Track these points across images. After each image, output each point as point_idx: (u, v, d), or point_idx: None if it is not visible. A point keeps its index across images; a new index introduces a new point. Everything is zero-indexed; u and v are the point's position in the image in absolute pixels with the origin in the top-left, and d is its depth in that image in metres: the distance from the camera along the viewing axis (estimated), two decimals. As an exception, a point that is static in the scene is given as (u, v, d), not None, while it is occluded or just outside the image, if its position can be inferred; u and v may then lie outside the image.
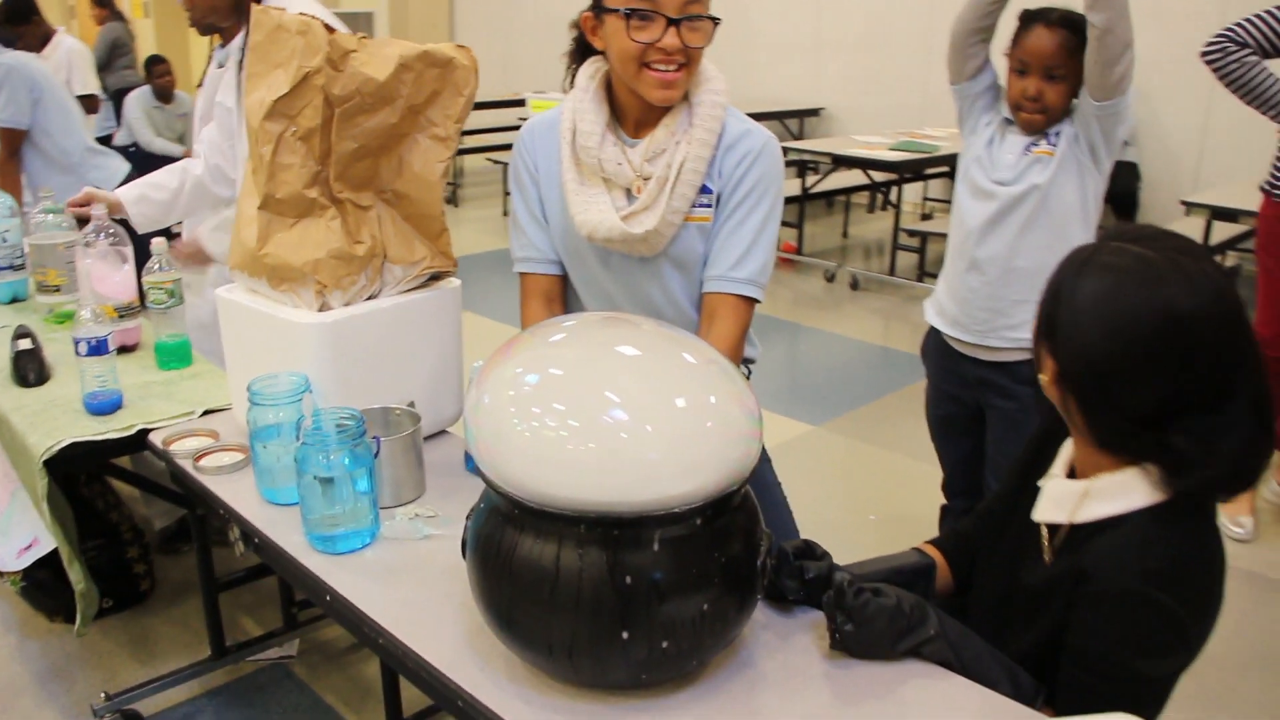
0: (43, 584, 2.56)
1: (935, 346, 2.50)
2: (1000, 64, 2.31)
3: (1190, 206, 4.54)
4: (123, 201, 2.52)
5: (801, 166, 6.41)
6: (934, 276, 5.85)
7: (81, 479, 2.58)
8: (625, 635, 1.07)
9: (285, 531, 1.55)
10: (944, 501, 2.69)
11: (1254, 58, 2.93)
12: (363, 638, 1.36)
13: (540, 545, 1.09)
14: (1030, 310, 2.18)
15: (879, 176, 6.46)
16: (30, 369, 2.10)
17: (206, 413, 1.99)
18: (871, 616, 1.19)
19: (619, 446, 1.04)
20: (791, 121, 8.68)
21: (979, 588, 1.47)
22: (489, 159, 8.78)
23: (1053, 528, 1.30)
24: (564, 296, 1.85)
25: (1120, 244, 1.19)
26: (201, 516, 2.11)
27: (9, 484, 2.19)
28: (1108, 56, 2.03)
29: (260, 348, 1.72)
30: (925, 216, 8.00)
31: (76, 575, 1.99)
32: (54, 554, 2.07)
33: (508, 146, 7.36)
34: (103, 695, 2.19)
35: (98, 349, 1.92)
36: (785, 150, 6.40)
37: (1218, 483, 1.16)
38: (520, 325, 1.81)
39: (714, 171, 1.68)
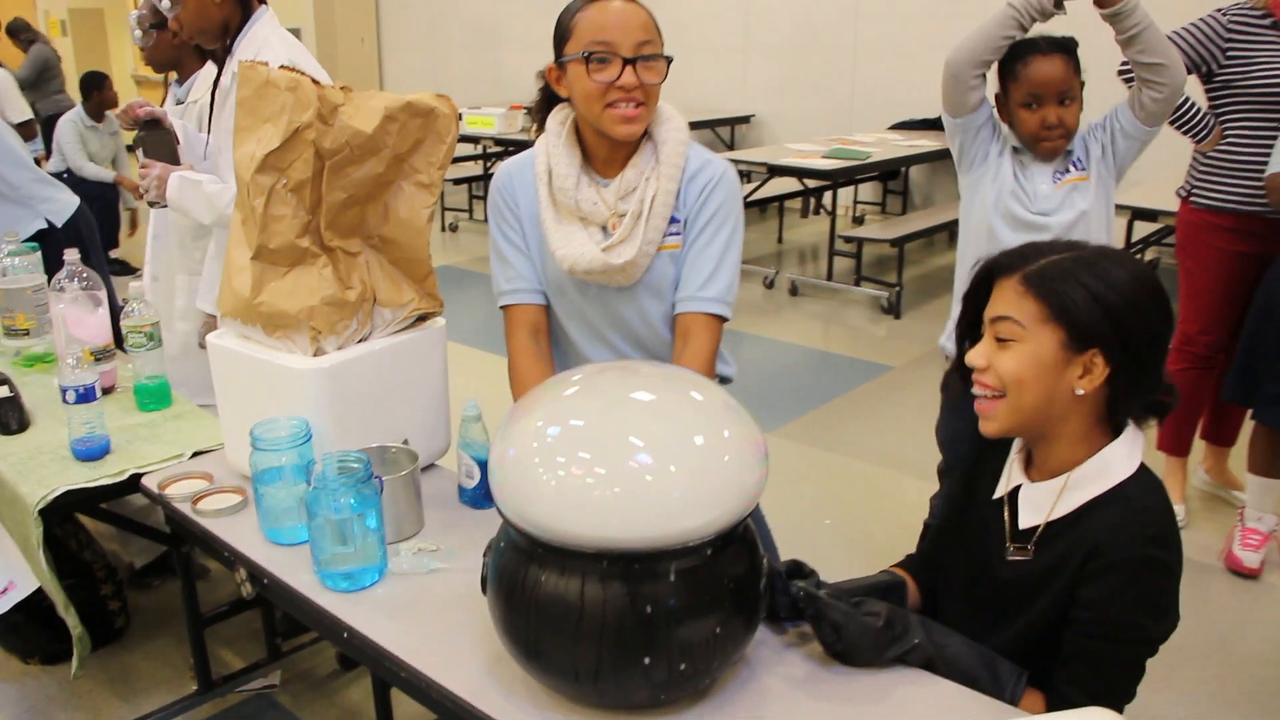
0: (17, 627, 2.55)
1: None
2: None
3: (1116, 208, 4.75)
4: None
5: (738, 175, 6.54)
6: (871, 280, 6.06)
7: (55, 519, 2.59)
8: (647, 660, 1.16)
9: (294, 571, 1.61)
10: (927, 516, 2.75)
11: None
12: (384, 673, 1.43)
13: (564, 581, 1.17)
14: None
15: (813, 183, 6.61)
16: (11, 417, 2.13)
17: (196, 454, 2.03)
18: (857, 631, 1.31)
19: (645, 488, 1.13)
20: (723, 130, 8.83)
21: (946, 596, 1.58)
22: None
23: (1021, 532, 1.42)
24: (548, 327, 1.94)
25: (1075, 252, 1.34)
26: (186, 554, 2.15)
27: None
28: (1171, 92, 2.17)
29: (256, 393, 1.78)
30: (858, 219, 8.21)
31: (73, 620, 2.02)
32: (29, 596, 2.09)
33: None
34: (93, 735, 2.22)
35: (85, 396, 1.95)
36: (721, 161, 6.52)
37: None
38: (507, 356, 1.89)
39: (680, 201, 1.82)
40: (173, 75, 2.87)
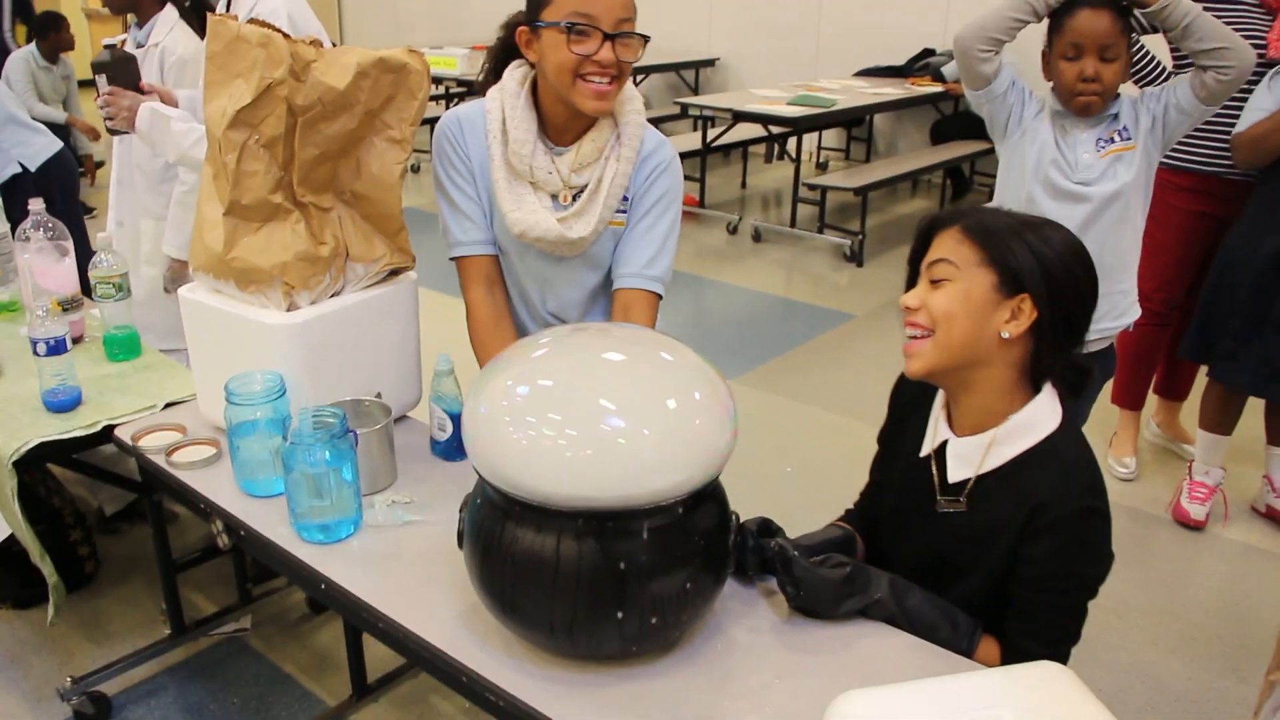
0: (-13, 572, 2.58)
1: None
2: (1026, 62, 2.36)
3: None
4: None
5: (702, 121, 6.54)
6: (833, 228, 6.11)
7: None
8: (620, 615, 1.22)
9: (270, 523, 1.64)
10: None
11: (1132, 34, 3.13)
12: (361, 623, 1.48)
13: (540, 538, 1.22)
14: (1110, 301, 2.36)
15: (778, 129, 6.62)
16: (-20, 367, 2.13)
17: (168, 405, 2.04)
18: (817, 585, 1.37)
19: (617, 450, 1.17)
20: (687, 73, 8.78)
21: (885, 550, 1.65)
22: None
23: (950, 486, 1.48)
24: (502, 278, 1.96)
25: (1010, 213, 1.41)
26: (157, 502, 2.17)
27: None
28: (1238, 72, 2.16)
29: (229, 347, 1.79)
30: (821, 165, 8.22)
31: (48, 569, 2.05)
32: (-2, 543, 2.11)
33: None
34: (68, 680, 2.25)
35: (56, 348, 1.96)
36: (686, 107, 6.52)
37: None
38: (466, 310, 1.92)
39: (630, 180, 1.86)
40: (131, 17, 2.82)
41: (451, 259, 1.93)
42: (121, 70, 2.38)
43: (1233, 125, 2.99)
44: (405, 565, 1.54)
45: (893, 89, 6.85)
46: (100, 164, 7.03)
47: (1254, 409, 3.16)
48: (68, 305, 2.29)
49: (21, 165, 3.23)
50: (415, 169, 8.26)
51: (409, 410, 2.00)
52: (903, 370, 1.48)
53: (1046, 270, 1.35)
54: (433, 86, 7.92)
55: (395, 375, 1.91)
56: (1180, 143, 3.06)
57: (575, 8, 1.68)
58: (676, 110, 6.98)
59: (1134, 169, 2.29)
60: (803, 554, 1.39)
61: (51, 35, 6.38)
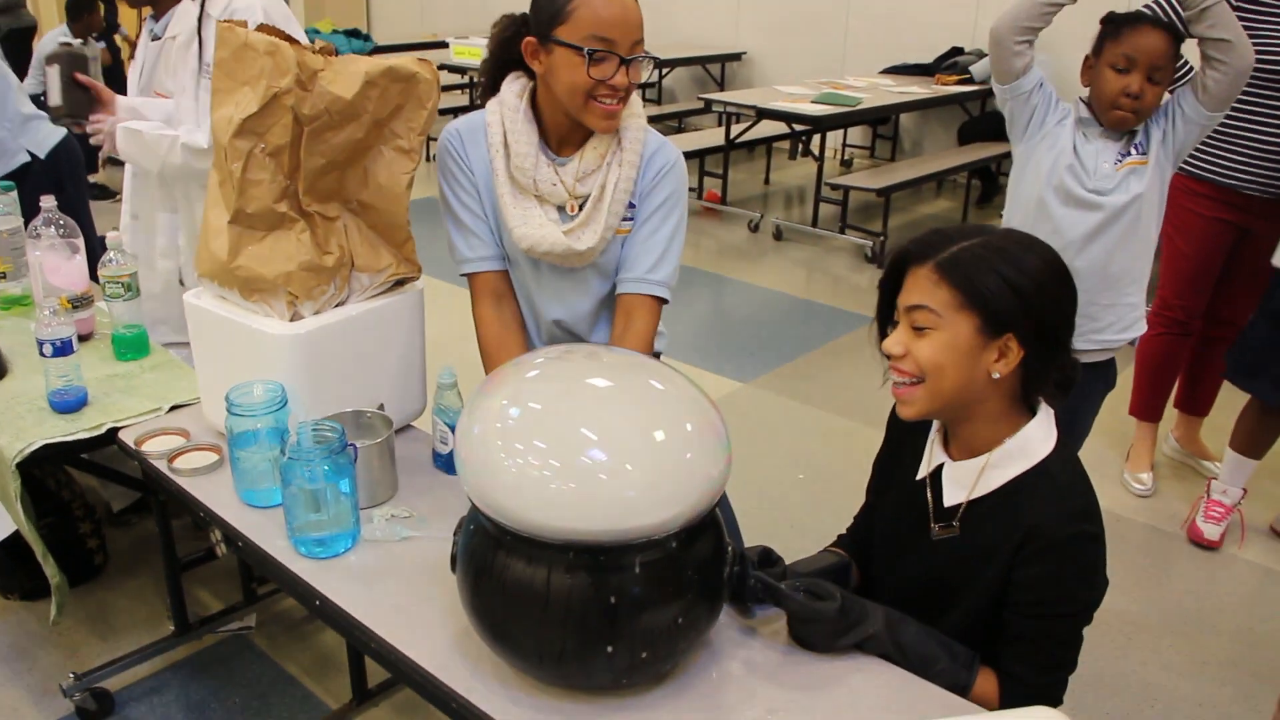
0: (-4, 564, 2.60)
1: None
2: (1064, 63, 2.32)
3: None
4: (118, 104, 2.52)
5: (726, 116, 6.49)
6: (855, 229, 6.06)
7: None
8: (610, 649, 1.20)
9: (268, 535, 1.64)
10: None
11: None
12: (355, 641, 1.47)
13: (531, 569, 1.20)
14: (1115, 313, 2.36)
15: (802, 126, 6.56)
16: (-11, 366, 2.13)
17: (173, 408, 2.04)
18: (811, 618, 1.36)
19: (598, 487, 1.15)
20: (714, 67, 8.73)
21: (877, 574, 1.64)
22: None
23: (945, 510, 1.46)
24: (512, 291, 1.94)
25: (984, 237, 1.36)
26: (163, 501, 2.17)
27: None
28: (1236, 74, 2.16)
29: (233, 354, 1.78)
30: (846, 163, 8.17)
31: (51, 570, 2.05)
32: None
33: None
34: (71, 675, 2.26)
35: (63, 349, 1.96)
36: (710, 103, 6.48)
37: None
38: (475, 327, 1.91)
39: (634, 184, 1.84)
40: (148, 10, 2.81)
41: (462, 274, 1.92)
42: (72, 64, 2.42)
43: (1251, 137, 2.97)
44: (401, 583, 1.53)
45: (919, 88, 6.78)
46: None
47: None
48: (77, 303, 2.29)
49: (30, 153, 3.24)
50: (431, 158, 8.25)
51: (413, 420, 1.98)
52: None
53: (1026, 303, 1.32)
54: (458, 76, 7.96)
55: (399, 385, 1.90)
56: (1199, 151, 3.10)
57: (594, 30, 1.65)
58: (700, 105, 6.94)
59: (1145, 181, 2.28)
60: (799, 583, 1.38)
61: (85, 16, 6.41)
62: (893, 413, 1.62)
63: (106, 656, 2.39)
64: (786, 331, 4.85)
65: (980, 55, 7.06)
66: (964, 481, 1.44)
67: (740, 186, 7.43)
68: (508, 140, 1.78)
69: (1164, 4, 2.74)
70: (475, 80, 7.99)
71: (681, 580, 1.23)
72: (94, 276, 2.35)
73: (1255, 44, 2.91)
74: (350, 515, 1.59)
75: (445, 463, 1.82)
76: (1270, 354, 2.87)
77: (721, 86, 8.70)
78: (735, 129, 6.60)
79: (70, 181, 3.51)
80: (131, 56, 2.72)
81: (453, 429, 1.78)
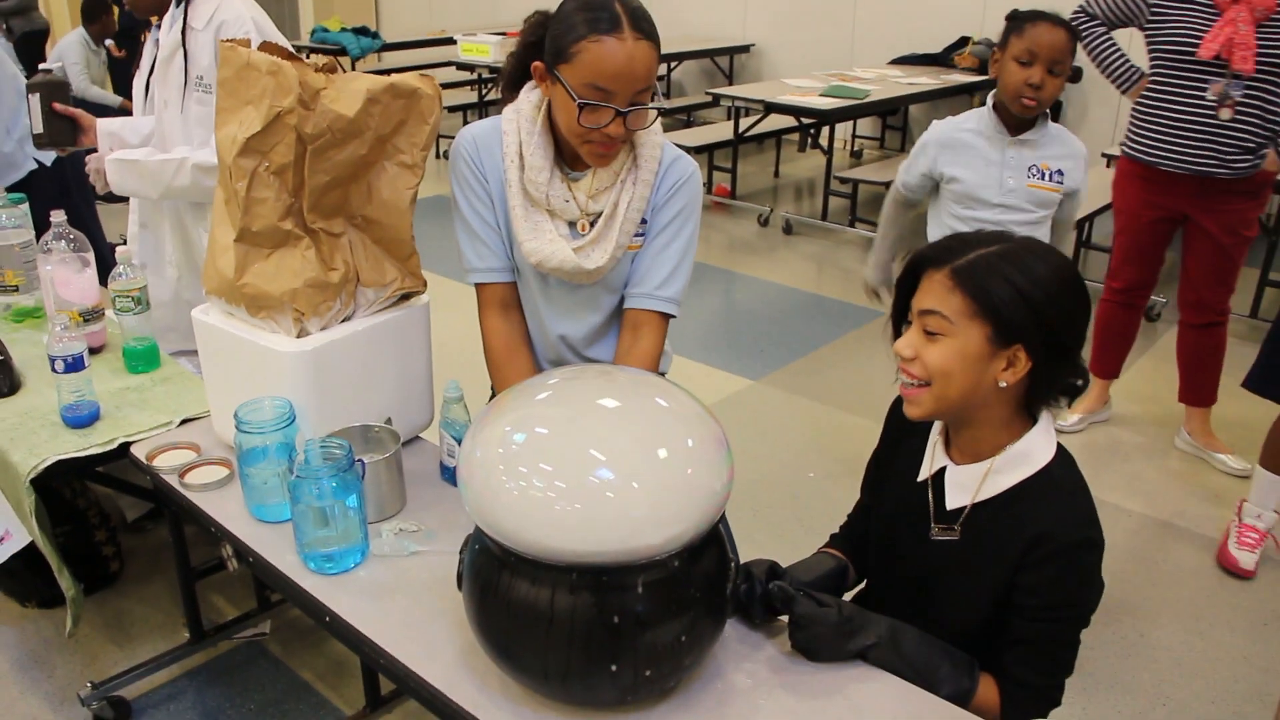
0: (14, 572, 2.60)
1: None
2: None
3: (1110, 159, 4.75)
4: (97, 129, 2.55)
5: (734, 110, 6.48)
6: (865, 222, 6.05)
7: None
8: (614, 667, 1.21)
9: (278, 550, 1.65)
10: None
11: (1101, 28, 3.29)
12: (365, 656, 1.48)
13: (535, 590, 1.21)
14: None
15: (810, 119, 6.55)
16: (2, 380, 2.15)
17: (184, 421, 2.06)
18: (817, 626, 1.37)
19: (605, 505, 1.16)
20: (722, 60, 8.71)
21: (874, 575, 1.65)
22: (419, 98, 8.69)
23: (947, 513, 1.47)
24: (519, 302, 1.92)
25: (1002, 245, 1.37)
26: (175, 513, 2.19)
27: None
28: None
29: (241, 370, 1.80)
30: (856, 154, 8.14)
31: (67, 583, 2.08)
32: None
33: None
34: (89, 684, 2.29)
35: (74, 365, 1.98)
36: (718, 97, 6.47)
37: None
38: (481, 335, 1.90)
39: (649, 197, 1.80)
40: (155, 20, 2.83)
41: (471, 283, 1.92)
42: (52, 93, 2.46)
43: (1171, 118, 3.18)
44: (409, 598, 1.54)
45: (928, 78, 6.76)
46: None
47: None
48: (88, 316, 2.31)
49: (37, 161, 3.28)
50: (448, 156, 8.26)
51: (420, 431, 2.00)
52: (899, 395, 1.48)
53: (1037, 315, 1.32)
54: (466, 73, 7.97)
55: (406, 399, 1.92)
56: (1135, 133, 3.33)
57: (593, 79, 1.58)
58: (709, 100, 6.93)
59: (1050, 209, 2.63)
60: (803, 590, 1.39)
61: (101, 17, 6.44)
62: (891, 410, 1.63)
63: (123, 664, 2.42)
64: (797, 327, 4.85)
65: (990, 44, 7.03)
66: (967, 485, 1.45)
67: (749, 180, 7.42)
68: (523, 152, 1.75)
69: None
70: (483, 77, 8.02)
71: (684, 598, 1.24)
72: (102, 282, 2.38)
73: (1172, 26, 3.13)
74: (359, 531, 1.61)
75: (453, 475, 1.83)
76: None
77: (730, 79, 8.69)
78: (744, 123, 6.59)
79: (76, 188, 3.55)
80: (138, 64, 2.74)
81: (459, 442, 1.79)
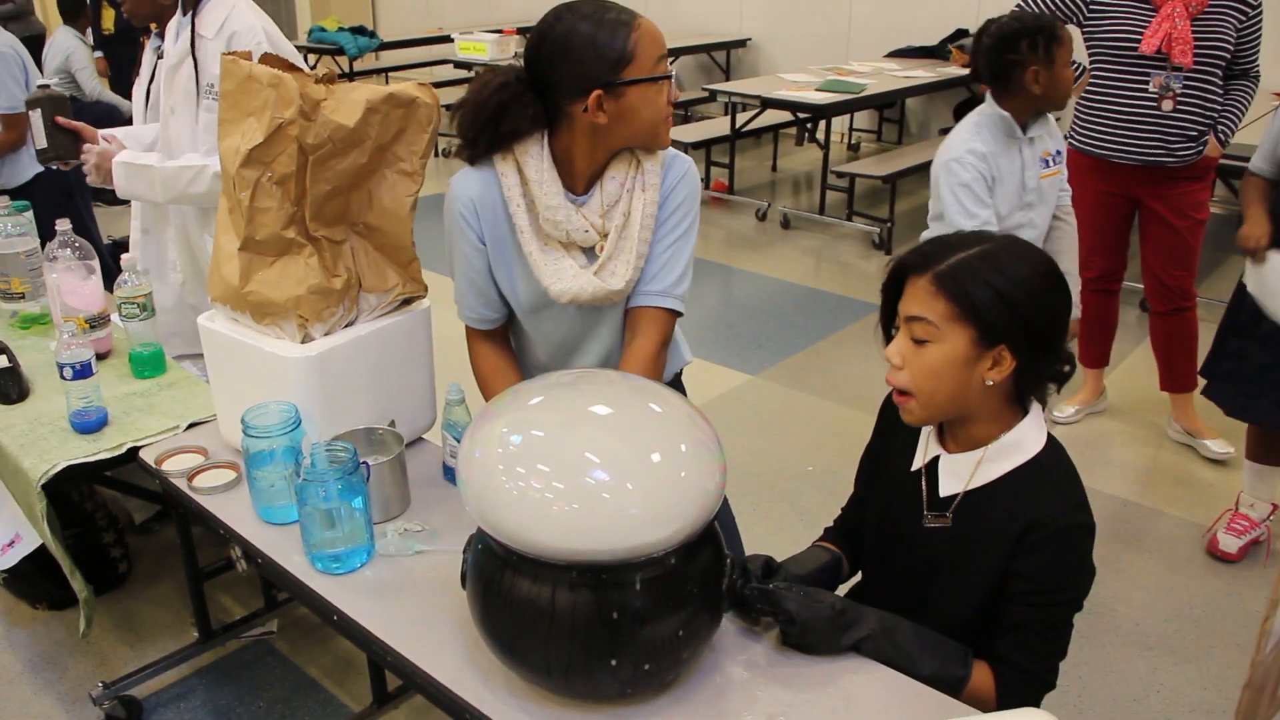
0: (24, 574, 2.65)
1: None
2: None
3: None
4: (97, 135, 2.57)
5: (731, 106, 6.51)
6: (862, 215, 6.08)
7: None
8: (614, 662, 1.25)
9: (285, 551, 1.69)
10: None
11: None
12: (372, 654, 1.52)
13: (536, 587, 1.25)
14: None
15: (806, 114, 6.58)
16: (11, 387, 2.19)
17: (191, 425, 2.10)
18: (811, 620, 1.40)
19: (602, 505, 1.20)
20: (718, 54, 8.73)
21: (868, 564, 1.69)
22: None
23: (940, 500, 1.51)
24: (507, 332, 1.94)
25: (981, 247, 1.40)
26: (184, 515, 2.23)
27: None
28: None
29: (246, 375, 1.84)
30: (853, 147, 8.17)
31: (79, 585, 2.12)
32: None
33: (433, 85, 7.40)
34: (100, 684, 2.33)
35: (83, 372, 2.02)
36: (715, 93, 6.50)
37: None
38: (470, 361, 1.92)
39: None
40: (154, 26, 2.86)
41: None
42: (54, 108, 2.49)
43: (1117, 112, 3.31)
44: (415, 596, 1.58)
45: (924, 71, 6.78)
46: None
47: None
48: (94, 322, 2.35)
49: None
50: (447, 154, 8.29)
51: (423, 433, 2.04)
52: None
53: (1017, 314, 1.36)
54: (463, 71, 8.00)
55: (409, 401, 1.95)
56: (1081, 128, 3.46)
57: (657, 52, 1.66)
58: (706, 95, 6.96)
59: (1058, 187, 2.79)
60: (796, 584, 1.43)
61: (84, 13, 6.47)
62: (884, 404, 1.67)
63: (134, 664, 2.46)
64: (795, 321, 4.88)
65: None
66: (960, 473, 1.49)
67: (747, 175, 7.45)
68: (533, 195, 1.73)
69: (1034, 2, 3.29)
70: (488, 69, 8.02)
71: (682, 594, 1.28)
72: (105, 285, 2.42)
73: (1112, 20, 3.25)
74: (365, 531, 1.65)
75: (455, 475, 1.86)
76: (1264, 377, 2.87)
77: (727, 74, 8.72)
78: (741, 118, 6.62)
79: (78, 190, 3.60)
80: (138, 71, 2.77)
81: (461, 443, 1.82)
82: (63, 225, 2.32)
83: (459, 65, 7.82)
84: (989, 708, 1.43)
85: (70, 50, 6.25)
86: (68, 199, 3.75)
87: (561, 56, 1.64)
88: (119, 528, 2.82)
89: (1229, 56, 3.22)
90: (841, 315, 4.92)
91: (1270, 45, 3.57)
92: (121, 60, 6.93)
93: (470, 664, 1.43)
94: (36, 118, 2.45)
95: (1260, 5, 3.19)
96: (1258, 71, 3.33)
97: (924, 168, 6.23)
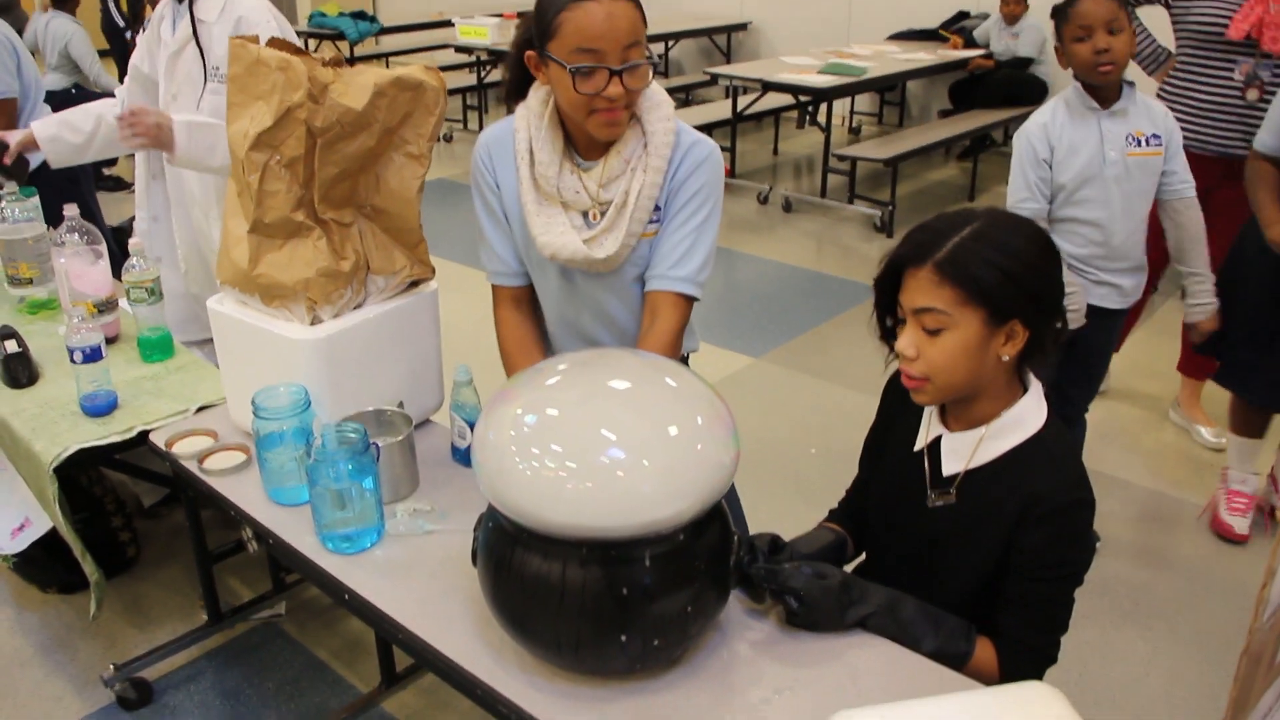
0: (34, 558, 2.67)
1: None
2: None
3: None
4: (37, 138, 2.60)
5: (732, 89, 6.51)
6: (864, 199, 6.09)
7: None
8: (623, 638, 1.27)
9: (297, 532, 1.71)
10: None
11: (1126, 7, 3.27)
12: (383, 632, 1.54)
13: (547, 564, 1.27)
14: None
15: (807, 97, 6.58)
16: (21, 372, 2.21)
17: (200, 409, 2.12)
18: (819, 595, 1.42)
19: (616, 483, 1.22)
20: (719, 38, 8.71)
21: (873, 544, 1.71)
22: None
23: (943, 479, 1.53)
24: (532, 299, 1.96)
25: (971, 226, 1.40)
26: (192, 498, 2.25)
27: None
28: None
29: (256, 358, 1.85)
30: (854, 130, 8.17)
31: (90, 568, 2.14)
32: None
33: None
34: (111, 666, 2.35)
35: (92, 356, 2.03)
36: (716, 76, 6.49)
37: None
38: (495, 329, 1.95)
39: (663, 183, 1.80)
40: (149, 12, 2.86)
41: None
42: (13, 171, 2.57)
43: (1198, 99, 3.16)
44: (425, 575, 1.60)
45: (925, 54, 6.77)
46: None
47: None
48: (103, 307, 2.36)
49: None
50: (449, 138, 8.29)
51: (431, 414, 2.05)
52: (896, 370, 1.53)
53: (1022, 287, 1.38)
54: (464, 55, 7.99)
55: (417, 383, 1.97)
56: None
57: (579, 43, 1.61)
58: (707, 79, 6.95)
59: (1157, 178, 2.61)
60: (802, 562, 1.45)
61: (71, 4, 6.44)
62: (887, 387, 1.68)
63: (144, 647, 2.48)
64: (797, 304, 4.90)
65: (984, 18, 7.05)
66: (962, 452, 1.50)
67: (749, 158, 7.45)
68: (533, 148, 1.77)
69: None
70: (481, 60, 8.04)
71: (690, 570, 1.30)
72: (117, 265, 2.42)
73: (1202, 13, 3.14)
74: (375, 511, 1.66)
75: (463, 456, 1.88)
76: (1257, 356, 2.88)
77: (728, 57, 8.70)
78: (742, 102, 6.62)
79: (81, 174, 3.63)
80: (133, 44, 2.77)
81: (470, 424, 1.84)
82: (70, 210, 2.34)
83: (460, 50, 7.81)
84: (992, 682, 1.45)
85: (69, 35, 6.21)
86: (73, 185, 3.76)
87: (535, 7, 1.70)
88: (127, 512, 2.84)
89: None
90: (844, 298, 4.93)
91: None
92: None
93: (481, 641, 1.45)
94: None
95: None
96: None
97: (925, 150, 6.24)
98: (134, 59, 2.67)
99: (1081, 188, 2.55)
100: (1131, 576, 2.84)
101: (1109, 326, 2.74)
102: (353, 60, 8.30)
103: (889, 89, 7.93)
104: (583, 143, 1.78)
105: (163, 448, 1.98)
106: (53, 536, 2.30)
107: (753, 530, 1.50)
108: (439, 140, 8.08)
